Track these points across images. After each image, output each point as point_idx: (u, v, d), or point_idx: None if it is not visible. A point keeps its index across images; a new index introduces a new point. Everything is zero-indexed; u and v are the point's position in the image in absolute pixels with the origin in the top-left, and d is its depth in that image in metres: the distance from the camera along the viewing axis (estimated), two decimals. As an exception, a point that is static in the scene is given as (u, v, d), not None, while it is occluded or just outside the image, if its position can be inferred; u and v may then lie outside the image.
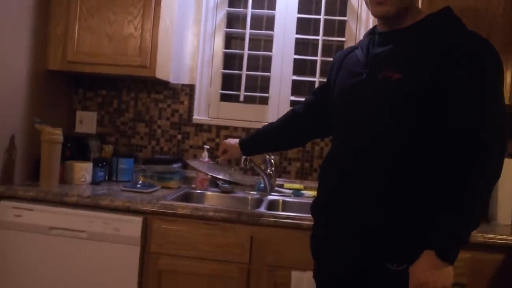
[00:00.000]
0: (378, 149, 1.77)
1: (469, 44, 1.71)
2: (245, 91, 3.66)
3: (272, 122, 2.51)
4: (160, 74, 3.33)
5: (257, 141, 2.53)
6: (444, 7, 1.86)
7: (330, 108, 2.07)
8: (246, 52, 3.66)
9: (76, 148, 3.41)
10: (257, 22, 3.77)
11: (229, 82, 3.78)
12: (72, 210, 2.80)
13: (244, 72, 3.66)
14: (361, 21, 3.61)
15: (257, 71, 3.74)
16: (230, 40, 3.83)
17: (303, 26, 3.70)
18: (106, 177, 3.42)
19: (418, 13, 1.87)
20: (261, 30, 3.76)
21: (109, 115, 3.78)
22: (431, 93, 1.69)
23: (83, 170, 3.20)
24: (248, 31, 3.66)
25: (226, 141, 2.69)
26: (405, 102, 1.72)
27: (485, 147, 1.62)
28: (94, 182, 3.26)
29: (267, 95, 3.69)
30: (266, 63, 3.74)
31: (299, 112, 2.39)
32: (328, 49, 3.67)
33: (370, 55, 1.89)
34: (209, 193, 3.36)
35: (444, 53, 1.69)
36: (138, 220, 2.74)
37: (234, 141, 2.63)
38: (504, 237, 2.56)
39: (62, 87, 3.65)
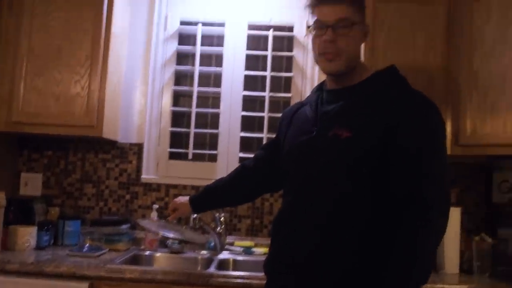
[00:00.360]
0: (342, 213, 1.76)
1: (414, 105, 1.78)
2: (194, 148, 3.65)
3: (222, 178, 2.50)
4: (108, 133, 3.29)
5: (208, 198, 2.51)
6: (389, 65, 1.93)
7: (280, 164, 2.07)
8: (194, 109, 3.67)
9: (20, 211, 3.30)
10: (205, 79, 3.80)
11: (177, 140, 3.76)
12: (14, 279, 2.68)
13: (192, 130, 3.66)
14: (306, 77, 3.69)
15: (206, 129, 3.75)
16: (178, 98, 3.84)
17: (250, 83, 3.74)
18: (52, 241, 3.31)
19: (364, 70, 1.93)
20: (209, 87, 3.79)
21: (56, 176, 3.69)
22: (380, 153, 1.73)
23: (27, 235, 3.09)
24: (196, 88, 3.68)
25: (176, 199, 2.65)
26: (355, 161, 1.75)
27: (427, 206, 1.65)
28: (39, 246, 3.15)
29: (215, 152, 3.68)
30: (214, 120, 3.75)
31: (249, 167, 2.38)
32: (275, 105, 3.72)
33: (320, 112, 1.91)
34: (158, 254, 3.29)
35: (390, 114, 1.74)
36: (83, 286, 2.65)
37: (184, 199, 2.60)
38: (452, 286, 2.59)
39: (6, 148, 3.57)
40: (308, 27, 1.89)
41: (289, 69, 3.75)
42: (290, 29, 3.78)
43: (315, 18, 1.84)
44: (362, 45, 2.08)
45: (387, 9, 3.09)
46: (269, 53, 3.67)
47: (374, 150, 1.73)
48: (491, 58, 2.94)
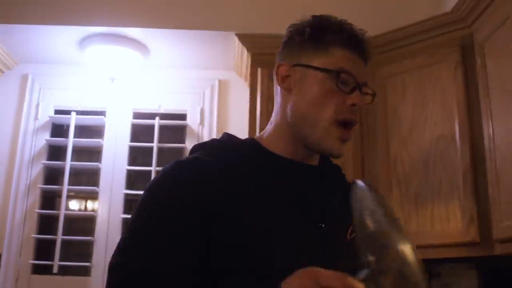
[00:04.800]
0: None
1: None
2: (61, 260, 3.02)
3: None
4: None
5: None
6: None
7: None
8: (62, 212, 3.07)
9: None
10: (81, 176, 3.29)
11: (44, 249, 3.12)
12: None
13: (60, 237, 3.04)
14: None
15: (78, 235, 3.14)
16: (48, 199, 3.25)
17: (134, 178, 3.23)
18: None
19: None
20: (84, 185, 3.24)
21: None
22: None
23: None
24: (66, 187, 3.11)
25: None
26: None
27: None
28: None
29: (88, 264, 3.05)
30: (88, 225, 3.14)
31: None
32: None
33: (319, 201, 1.21)
34: None
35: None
36: None
37: None
38: None
39: None
40: (318, 68, 1.15)
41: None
42: (182, 117, 3.28)
43: (340, 65, 1.14)
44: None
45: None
46: (155, 144, 3.16)
47: None
48: (410, 141, 2.54)
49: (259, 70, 2.75)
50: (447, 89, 2.48)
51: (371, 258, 0.84)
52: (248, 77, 2.87)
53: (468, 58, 2.45)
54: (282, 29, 2.88)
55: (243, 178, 1.11)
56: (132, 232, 1.08)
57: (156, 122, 3.20)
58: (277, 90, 1.20)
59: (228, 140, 1.21)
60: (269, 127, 1.22)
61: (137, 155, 3.30)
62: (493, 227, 2.18)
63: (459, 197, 2.34)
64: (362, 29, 1.18)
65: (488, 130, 2.25)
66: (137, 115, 3.30)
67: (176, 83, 3.30)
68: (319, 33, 1.16)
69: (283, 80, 1.17)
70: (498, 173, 2.17)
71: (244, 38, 2.78)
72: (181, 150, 3.23)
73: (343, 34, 1.16)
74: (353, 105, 1.12)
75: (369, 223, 0.86)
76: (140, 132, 3.33)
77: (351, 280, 0.81)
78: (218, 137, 1.25)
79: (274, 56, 2.72)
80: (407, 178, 2.51)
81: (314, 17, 1.20)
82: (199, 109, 3.26)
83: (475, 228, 2.27)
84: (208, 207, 1.04)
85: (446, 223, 2.36)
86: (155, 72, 3.29)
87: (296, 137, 1.17)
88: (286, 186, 1.16)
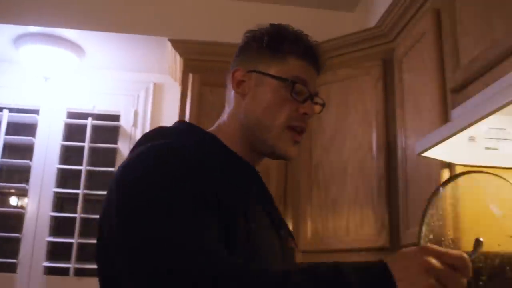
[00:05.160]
0: None
1: None
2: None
3: None
4: None
5: None
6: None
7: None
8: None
9: None
10: (12, 173, 3.25)
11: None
12: None
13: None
14: (132, 173, 3.19)
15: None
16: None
17: (65, 177, 3.22)
18: None
19: None
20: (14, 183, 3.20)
21: None
22: None
23: None
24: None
25: None
26: None
27: None
28: None
29: (15, 261, 3.03)
30: (16, 222, 3.13)
31: None
32: (91, 204, 3.18)
33: (274, 209, 1.23)
34: None
35: None
36: None
37: None
38: None
39: None
40: (273, 76, 1.16)
41: (112, 164, 3.24)
42: (116, 118, 3.30)
43: (296, 74, 1.17)
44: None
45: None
46: (86, 144, 3.18)
47: None
48: (331, 149, 2.63)
49: (190, 75, 2.80)
50: (368, 101, 2.59)
51: None
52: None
53: (389, 72, 2.56)
54: (214, 37, 2.98)
55: (229, 174, 1.09)
56: (162, 227, 0.91)
57: (89, 122, 3.22)
58: (231, 94, 1.20)
59: (194, 131, 1.17)
60: (222, 127, 1.21)
61: (70, 154, 3.30)
62: (401, 233, 2.30)
63: (373, 204, 2.45)
64: (316, 41, 1.23)
65: (401, 141, 2.36)
66: (71, 115, 3.31)
67: (111, 85, 3.33)
68: (277, 42, 1.18)
69: (238, 85, 1.18)
70: (407, 182, 2.28)
71: (177, 44, 2.84)
72: (114, 150, 3.25)
73: (300, 44, 1.19)
74: (305, 114, 1.16)
75: None
76: (75, 132, 3.33)
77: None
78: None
79: (206, 62, 2.82)
80: (327, 184, 2.61)
81: (272, 25, 1.22)
82: (133, 111, 3.29)
83: (386, 234, 2.38)
84: (220, 195, 0.99)
85: (360, 228, 2.47)
86: (90, 73, 3.31)
87: (247, 140, 1.19)
88: (253, 188, 1.18)
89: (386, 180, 2.45)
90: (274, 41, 1.18)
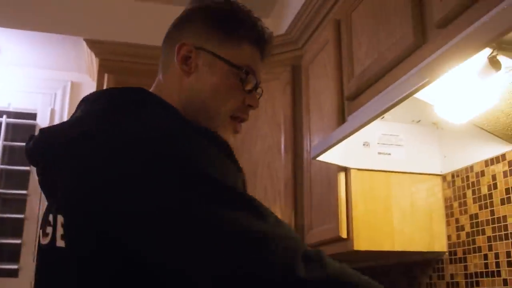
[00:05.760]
0: None
1: None
2: None
3: None
4: None
5: None
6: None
7: None
8: None
9: None
10: None
11: None
12: None
13: None
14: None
15: None
16: None
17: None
18: None
19: None
20: None
21: None
22: None
23: None
24: None
25: None
26: None
27: None
28: None
29: None
30: None
31: None
32: (7, 203, 3.14)
33: None
34: None
35: None
36: None
37: None
38: None
39: None
40: (227, 61, 1.06)
41: (27, 163, 3.19)
42: (32, 116, 3.27)
43: (247, 63, 1.09)
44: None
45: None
46: (0, 142, 3.12)
47: None
48: (243, 150, 2.72)
49: (106, 75, 2.82)
50: (277, 105, 2.69)
51: None
52: (99, 81, 2.94)
53: (297, 77, 2.66)
54: (130, 38, 2.99)
55: None
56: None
57: (4, 120, 3.17)
58: (170, 66, 1.09)
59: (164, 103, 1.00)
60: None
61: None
62: (306, 233, 2.40)
63: (280, 205, 2.55)
64: (268, 28, 1.14)
65: (307, 143, 2.47)
66: (-14, 112, 3.26)
67: (27, 82, 3.29)
68: (234, 24, 1.08)
69: (183, 61, 1.06)
70: (311, 184, 2.39)
71: (92, 44, 2.85)
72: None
73: (256, 31, 1.11)
74: (250, 106, 1.11)
75: None
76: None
77: None
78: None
79: (121, 63, 2.84)
80: (237, 185, 2.68)
81: (226, 2, 1.11)
82: (49, 109, 3.26)
83: (291, 233, 2.48)
84: None
85: (267, 228, 2.55)
86: (5, 70, 3.26)
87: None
88: None
89: (292, 181, 2.55)
90: (230, 23, 1.08)
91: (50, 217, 0.92)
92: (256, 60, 1.10)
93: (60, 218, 0.88)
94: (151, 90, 1.07)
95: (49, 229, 0.92)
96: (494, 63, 1.26)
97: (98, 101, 1.00)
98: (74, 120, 0.98)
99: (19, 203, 3.13)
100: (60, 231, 0.87)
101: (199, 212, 0.76)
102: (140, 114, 0.91)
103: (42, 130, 1.00)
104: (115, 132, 0.86)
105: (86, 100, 1.03)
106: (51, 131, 1.00)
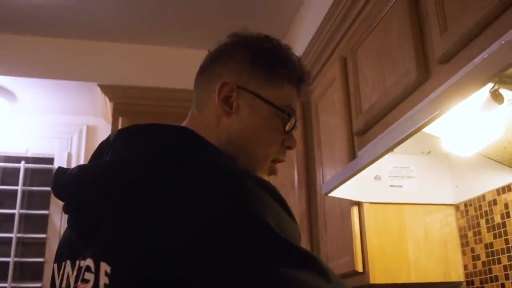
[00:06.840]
0: None
1: None
2: None
3: None
4: None
5: None
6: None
7: None
8: None
9: None
10: None
11: None
12: None
13: None
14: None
15: None
16: None
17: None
18: None
19: None
20: None
21: None
22: None
23: None
24: None
25: None
26: None
27: None
28: None
29: None
30: None
31: None
32: (26, 248, 3.18)
33: None
34: None
35: None
36: None
37: None
38: None
39: None
40: (270, 103, 1.01)
41: (45, 206, 3.26)
42: (50, 161, 3.34)
43: (289, 104, 1.04)
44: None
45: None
46: (19, 188, 3.19)
47: None
48: None
49: (120, 118, 2.89)
50: (289, 141, 2.71)
51: None
52: (114, 124, 3.01)
53: (308, 113, 2.71)
54: (141, 82, 3.07)
55: None
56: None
57: (22, 165, 3.24)
58: (209, 104, 1.02)
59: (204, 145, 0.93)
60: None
61: (5, 198, 3.31)
62: (322, 267, 2.40)
63: (296, 240, 2.56)
64: (306, 67, 1.12)
65: (320, 178, 2.49)
66: (3, 159, 3.33)
67: (44, 128, 3.37)
68: (279, 65, 1.04)
69: (224, 101, 1.00)
70: (326, 218, 2.40)
71: (106, 89, 2.93)
72: (48, 193, 3.28)
73: (297, 72, 1.06)
74: (288, 147, 1.06)
75: None
76: (9, 175, 3.34)
77: None
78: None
79: (134, 106, 2.90)
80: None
81: (267, 40, 1.06)
82: (66, 154, 3.33)
83: (308, 268, 2.48)
84: None
85: (284, 264, 2.56)
86: (22, 117, 3.35)
87: None
88: None
89: (307, 216, 2.57)
90: (273, 62, 1.04)
91: (90, 262, 0.82)
92: (295, 99, 1.06)
93: (104, 266, 0.79)
94: (186, 123, 1.04)
95: (88, 275, 0.82)
96: (496, 97, 1.28)
97: (141, 141, 0.90)
98: (118, 161, 0.87)
99: (39, 247, 3.18)
100: (104, 279, 0.78)
101: (271, 274, 0.72)
102: (194, 162, 0.83)
103: (81, 168, 0.91)
104: (180, 181, 0.78)
105: (120, 137, 0.93)
106: (93, 171, 0.89)
